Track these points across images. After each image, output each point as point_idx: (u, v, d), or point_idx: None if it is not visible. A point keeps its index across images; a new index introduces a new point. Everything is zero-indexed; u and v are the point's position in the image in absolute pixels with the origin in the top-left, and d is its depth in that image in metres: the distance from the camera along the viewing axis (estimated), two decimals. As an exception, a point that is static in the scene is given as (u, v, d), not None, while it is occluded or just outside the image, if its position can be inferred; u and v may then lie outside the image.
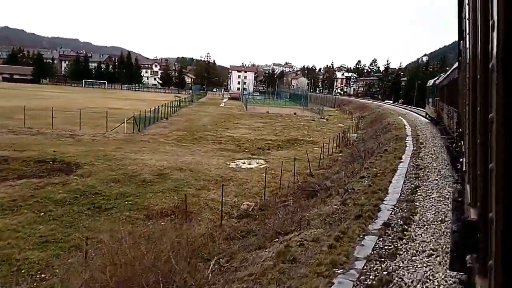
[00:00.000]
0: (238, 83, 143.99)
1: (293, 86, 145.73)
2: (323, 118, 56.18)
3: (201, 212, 12.98)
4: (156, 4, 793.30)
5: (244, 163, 22.29)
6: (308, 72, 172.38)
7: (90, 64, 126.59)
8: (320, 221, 8.32)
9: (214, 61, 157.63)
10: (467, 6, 2.87)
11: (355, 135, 35.58)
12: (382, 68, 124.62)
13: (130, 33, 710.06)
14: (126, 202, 13.30)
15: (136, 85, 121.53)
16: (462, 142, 5.15)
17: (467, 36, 2.97)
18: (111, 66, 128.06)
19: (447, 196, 9.00)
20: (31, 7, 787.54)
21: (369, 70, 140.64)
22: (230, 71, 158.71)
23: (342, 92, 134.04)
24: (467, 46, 2.97)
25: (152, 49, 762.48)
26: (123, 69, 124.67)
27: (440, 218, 7.69)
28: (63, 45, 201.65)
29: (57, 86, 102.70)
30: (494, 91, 1.16)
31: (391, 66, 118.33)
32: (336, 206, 9.18)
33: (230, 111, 62.00)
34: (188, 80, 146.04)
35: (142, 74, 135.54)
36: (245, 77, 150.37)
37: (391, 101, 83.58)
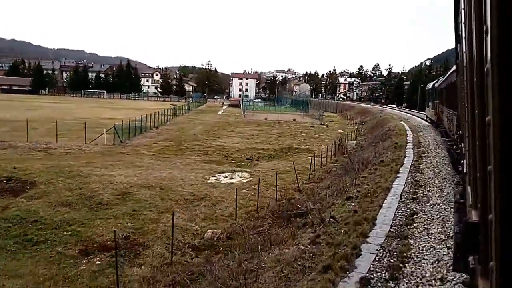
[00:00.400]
0: (240, 90, 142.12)
1: (296, 92, 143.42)
2: (323, 124, 53.91)
3: (154, 244, 10.74)
4: (160, 15, 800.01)
5: (225, 177, 20.05)
6: (311, 78, 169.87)
7: (90, 74, 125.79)
8: (275, 273, 6.05)
9: (215, 68, 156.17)
10: (462, 11, 2.83)
11: (354, 142, 33.21)
12: (384, 73, 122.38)
13: (135, 44, 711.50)
14: (65, 233, 11.09)
15: (136, 94, 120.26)
16: (462, 144, 4.93)
17: (463, 40, 2.94)
18: (110, 75, 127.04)
19: (450, 233, 6.69)
20: (37, 20, 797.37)
21: (372, 74, 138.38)
22: (231, 78, 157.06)
23: (345, 97, 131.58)
24: (464, 50, 2.95)
25: (156, 58, 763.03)
26: (122, 78, 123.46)
27: (440, 275, 5.34)
28: (69, 57, 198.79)
29: (56, 97, 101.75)
30: (490, 95, 1.18)
31: (394, 70, 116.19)
32: (303, 247, 6.90)
33: (227, 118, 59.94)
34: (189, 88, 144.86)
35: (142, 83, 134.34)
36: (247, 84, 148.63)
37: (394, 105, 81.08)
